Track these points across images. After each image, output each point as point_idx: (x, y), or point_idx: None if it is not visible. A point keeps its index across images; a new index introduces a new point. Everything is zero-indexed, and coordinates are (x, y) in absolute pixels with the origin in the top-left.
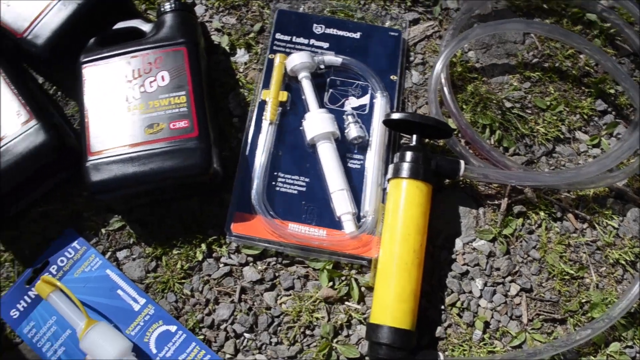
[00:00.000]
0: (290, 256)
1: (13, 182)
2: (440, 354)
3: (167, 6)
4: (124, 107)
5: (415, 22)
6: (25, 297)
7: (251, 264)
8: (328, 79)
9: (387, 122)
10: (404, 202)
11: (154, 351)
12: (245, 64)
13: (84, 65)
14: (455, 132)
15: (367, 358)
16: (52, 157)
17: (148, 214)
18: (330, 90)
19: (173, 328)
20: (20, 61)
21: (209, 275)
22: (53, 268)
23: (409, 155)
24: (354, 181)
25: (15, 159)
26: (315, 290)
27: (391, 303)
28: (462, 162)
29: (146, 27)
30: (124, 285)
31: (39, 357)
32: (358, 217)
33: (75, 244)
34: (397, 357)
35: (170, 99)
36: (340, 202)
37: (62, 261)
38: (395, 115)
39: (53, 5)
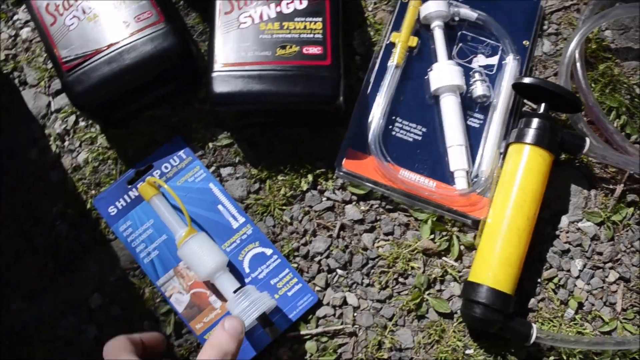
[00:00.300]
0: (395, 202)
1: (134, 81)
2: (534, 325)
3: None
4: (258, 24)
5: None
6: (125, 196)
7: (354, 202)
8: (459, 33)
9: (517, 86)
10: (525, 168)
11: (247, 270)
12: (375, 3)
13: None
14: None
15: (455, 315)
16: (176, 62)
17: (258, 135)
18: (460, 44)
19: (269, 251)
20: None
21: (311, 207)
22: (156, 173)
23: (535, 122)
24: (471, 139)
25: (141, 57)
26: (414, 240)
27: (496, 265)
28: (587, 139)
29: None
30: (225, 201)
31: (131, 256)
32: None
33: (181, 152)
34: (493, 319)
35: (306, 24)
36: (457, 157)
37: (166, 167)
38: (529, 80)
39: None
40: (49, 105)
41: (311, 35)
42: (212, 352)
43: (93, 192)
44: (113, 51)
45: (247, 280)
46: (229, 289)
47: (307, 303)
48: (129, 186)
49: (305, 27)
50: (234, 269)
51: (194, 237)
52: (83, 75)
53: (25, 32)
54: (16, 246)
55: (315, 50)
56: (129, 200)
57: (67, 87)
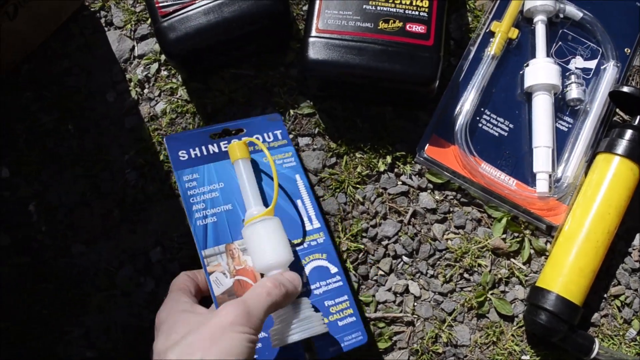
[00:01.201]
0: (471, 196)
1: (228, 35)
2: (597, 340)
3: None
4: None
5: None
6: (203, 148)
7: (429, 191)
8: (560, 31)
9: (615, 94)
10: (612, 180)
11: (304, 279)
12: None
13: None
14: None
15: (516, 319)
16: (272, 22)
17: (340, 109)
18: (560, 42)
19: (334, 269)
20: None
21: (385, 189)
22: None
23: (629, 133)
24: (557, 142)
25: (239, 12)
26: (485, 237)
27: (568, 273)
28: None
29: None
30: (307, 198)
31: (184, 211)
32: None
33: (278, 131)
34: (558, 328)
35: (412, 0)
36: (542, 158)
37: (258, 138)
38: (629, 90)
39: None
40: (132, 49)
41: (416, 13)
42: (262, 290)
43: None
44: (213, 2)
45: (301, 291)
46: None
47: (355, 341)
48: (211, 139)
49: (411, 3)
50: (296, 272)
51: (267, 221)
52: (178, 22)
53: None
54: (83, 188)
55: (419, 28)
56: (205, 153)
57: (160, 33)
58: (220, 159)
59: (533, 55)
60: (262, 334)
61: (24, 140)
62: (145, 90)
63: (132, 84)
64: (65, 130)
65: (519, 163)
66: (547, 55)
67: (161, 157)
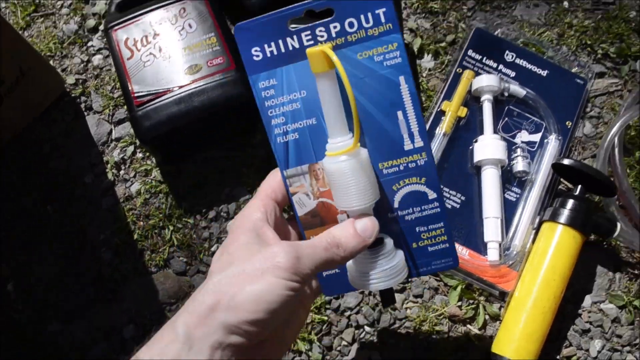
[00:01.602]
0: None
1: (199, 123)
2: None
3: None
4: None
5: (600, 75)
6: (281, 42)
7: None
8: (506, 107)
9: (557, 166)
10: (556, 248)
11: (396, 205)
12: (429, 70)
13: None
14: None
15: None
16: (240, 110)
17: None
18: (506, 118)
19: (432, 195)
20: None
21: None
22: (334, 28)
23: (570, 202)
24: (506, 212)
25: (209, 102)
26: (442, 304)
27: (518, 338)
28: (619, 224)
29: None
30: (410, 109)
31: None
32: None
33: (381, 11)
34: None
35: (202, 42)
36: (492, 228)
37: (351, 25)
38: (568, 162)
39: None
40: (110, 132)
41: (210, 50)
42: (327, 238)
43: (141, 223)
44: (183, 92)
45: (390, 216)
46: None
47: (443, 265)
48: (292, 28)
49: (202, 45)
50: (381, 199)
51: (352, 159)
52: (152, 111)
53: (97, 59)
54: (60, 268)
55: (218, 60)
56: (283, 50)
57: (135, 121)
58: (302, 57)
59: (481, 132)
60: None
61: (4, 221)
62: (122, 172)
63: (109, 166)
64: (44, 211)
65: (471, 233)
66: (494, 132)
67: (135, 237)
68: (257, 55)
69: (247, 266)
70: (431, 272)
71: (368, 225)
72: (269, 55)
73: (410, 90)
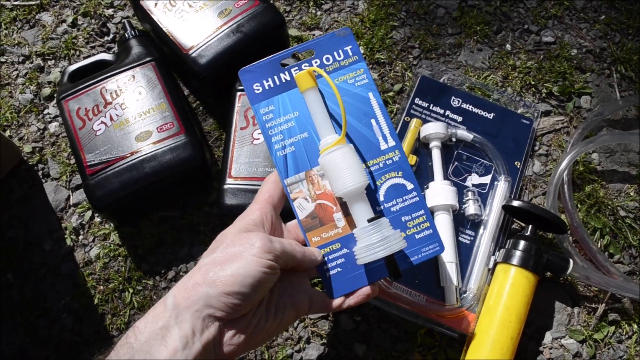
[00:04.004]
0: (387, 313)
1: (151, 187)
2: None
3: (128, 34)
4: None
5: (546, 113)
6: (275, 77)
7: (349, 312)
8: (455, 152)
9: (507, 208)
10: (510, 289)
11: (381, 198)
12: None
13: (64, 100)
14: None
15: None
16: (192, 172)
17: None
18: (456, 163)
19: (410, 185)
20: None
21: (306, 315)
22: (315, 62)
23: (522, 244)
24: (462, 255)
25: (160, 167)
26: (402, 350)
27: None
28: (571, 261)
29: (111, 57)
30: (380, 117)
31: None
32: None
33: (348, 48)
34: None
35: (150, 110)
36: (448, 273)
37: (327, 59)
38: (517, 204)
39: (220, 32)
40: (68, 198)
41: (160, 116)
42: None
43: (102, 287)
44: (135, 159)
45: (377, 209)
46: (363, 216)
47: (432, 252)
48: (283, 67)
49: (150, 112)
50: (367, 194)
51: (341, 149)
52: (105, 179)
53: (53, 127)
54: (22, 338)
55: (168, 126)
56: (278, 82)
57: (88, 190)
58: (293, 87)
59: (432, 177)
60: (345, 251)
61: None
62: (80, 237)
63: (67, 231)
64: (4, 280)
65: (427, 278)
66: (445, 177)
67: (95, 301)
68: (258, 89)
69: (229, 250)
70: (422, 260)
71: (315, 252)
72: (267, 88)
73: (378, 102)
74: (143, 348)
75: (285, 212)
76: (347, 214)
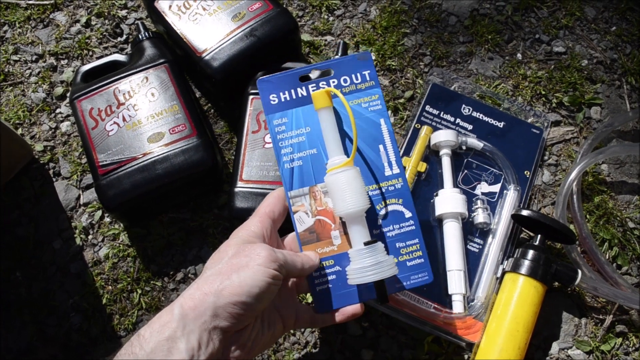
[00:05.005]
0: (395, 320)
1: (162, 189)
2: None
3: (141, 36)
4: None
5: (556, 123)
6: (292, 91)
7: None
8: (465, 160)
9: (516, 217)
10: (518, 298)
11: (379, 222)
12: None
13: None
14: None
15: None
16: (203, 174)
17: None
18: (466, 171)
19: (408, 214)
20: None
21: (292, 329)
22: (333, 82)
23: (531, 253)
24: (469, 263)
25: (172, 168)
26: (409, 357)
27: None
28: (579, 272)
29: (124, 58)
30: (389, 144)
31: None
32: (467, 299)
33: (367, 72)
34: None
35: (163, 111)
36: (455, 281)
37: (345, 81)
38: (527, 213)
39: (234, 35)
40: (78, 198)
41: (172, 118)
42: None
43: (110, 287)
44: (147, 160)
45: (374, 232)
46: (360, 238)
47: (421, 280)
48: (301, 82)
49: (162, 113)
50: (367, 216)
51: (348, 172)
52: (116, 180)
53: (65, 126)
54: (29, 335)
55: (180, 128)
56: (294, 96)
57: (100, 190)
58: (308, 102)
59: (442, 185)
60: (338, 268)
61: None
62: (90, 237)
63: (77, 231)
64: (14, 278)
65: (435, 286)
66: (454, 185)
67: (104, 301)
68: (274, 100)
69: (234, 261)
70: (410, 288)
71: (311, 254)
72: (282, 100)
73: (388, 129)
74: (148, 359)
75: (282, 226)
76: (344, 232)
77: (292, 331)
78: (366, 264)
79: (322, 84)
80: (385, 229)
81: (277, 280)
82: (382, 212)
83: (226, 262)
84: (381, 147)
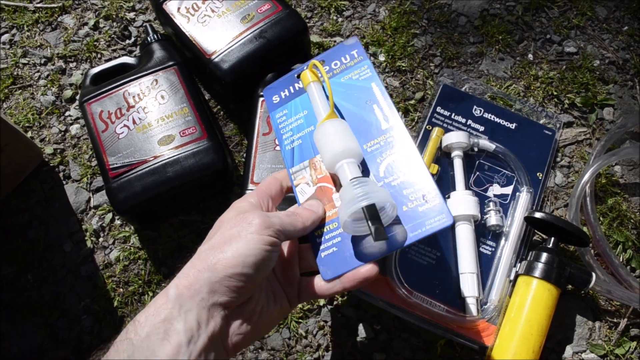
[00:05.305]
0: (407, 323)
1: (173, 191)
2: None
3: (150, 38)
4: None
5: (568, 124)
6: (290, 87)
7: (368, 321)
8: (477, 162)
9: (529, 219)
10: (532, 302)
11: (381, 174)
12: None
13: (87, 103)
14: None
15: None
16: (214, 177)
17: None
18: (477, 173)
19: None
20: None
21: (326, 322)
22: (325, 69)
23: (544, 256)
24: (482, 266)
25: (182, 171)
26: None
27: None
28: (594, 275)
29: (133, 61)
30: (382, 101)
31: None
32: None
33: (354, 51)
34: None
35: (173, 113)
36: (469, 284)
37: (335, 64)
38: (540, 215)
39: (243, 37)
40: (88, 200)
41: (183, 120)
42: (287, 211)
43: (121, 290)
44: (157, 163)
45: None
46: (348, 177)
47: (438, 224)
48: (297, 78)
49: (172, 115)
50: (366, 170)
51: (332, 121)
52: (127, 183)
53: (74, 129)
54: (41, 337)
55: (190, 130)
56: (292, 90)
57: (110, 193)
58: (304, 92)
59: (453, 187)
60: (342, 230)
61: None
62: (100, 239)
63: (87, 233)
64: (24, 280)
65: (447, 289)
66: (466, 187)
67: (115, 304)
68: (276, 99)
69: (226, 232)
70: (428, 234)
71: (313, 203)
72: (283, 97)
73: (380, 89)
74: (144, 344)
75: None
76: None
77: (303, 334)
78: (354, 193)
79: (310, 62)
80: (388, 180)
81: (275, 247)
82: (384, 163)
83: (219, 235)
84: (375, 106)
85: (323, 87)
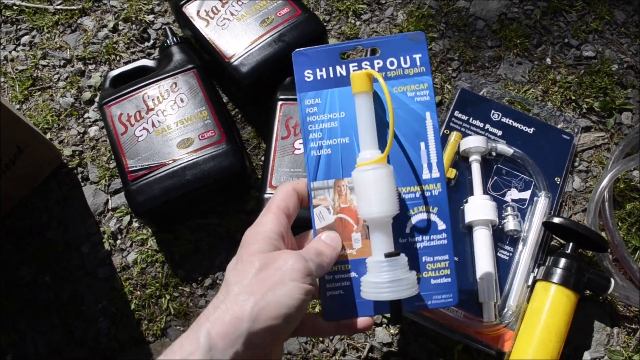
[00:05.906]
0: (424, 328)
1: (192, 194)
2: None
3: (169, 41)
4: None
5: (587, 129)
6: (331, 69)
7: (385, 326)
8: (495, 166)
9: (547, 225)
10: (550, 307)
11: (407, 231)
12: None
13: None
14: None
15: None
16: (232, 180)
17: None
18: (495, 177)
19: (442, 226)
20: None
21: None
22: (377, 63)
23: (563, 262)
24: (500, 271)
25: (201, 174)
26: None
27: None
28: (613, 281)
29: (152, 64)
30: (432, 142)
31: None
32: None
33: (417, 56)
34: None
35: (192, 117)
36: (486, 289)
37: (392, 63)
38: (558, 221)
39: (262, 41)
40: (106, 202)
41: (202, 123)
42: (313, 248)
43: (138, 292)
44: (176, 166)
45: (400, 241)
46: (381, 248)
47: (444, 302)
48: (342, 59)
49: (191, 119)
50: (394, 223)
51: (378, 170)
52: (146, 185)
53: (93, 131)
54: (58, 338)
55: (209, 134)
56: (332, 75)
57: (129, 195)
58: (346, 84)
59: (471, 192)
60: (354, 275)
61: (3, 291)
62: (118, 242)
63: (105, 235)
64: (42, 281)
65: (465, 293)
66: (484, 192)
67: (132, 306)
68: (309, 77)
69: (264, 274)
70: (431, 308)
71: (332, 236)
72: (318, 78)
73: (434, 125)
74: None
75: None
76: (366, 236)
77: (320, 338)
78: (383, 279)
79: (365, 64)
80: (412, 239)
81: (310, 296)
82: (413, 219)
83: (254, 276)
84: (422, 144)
85: (376, 95)
